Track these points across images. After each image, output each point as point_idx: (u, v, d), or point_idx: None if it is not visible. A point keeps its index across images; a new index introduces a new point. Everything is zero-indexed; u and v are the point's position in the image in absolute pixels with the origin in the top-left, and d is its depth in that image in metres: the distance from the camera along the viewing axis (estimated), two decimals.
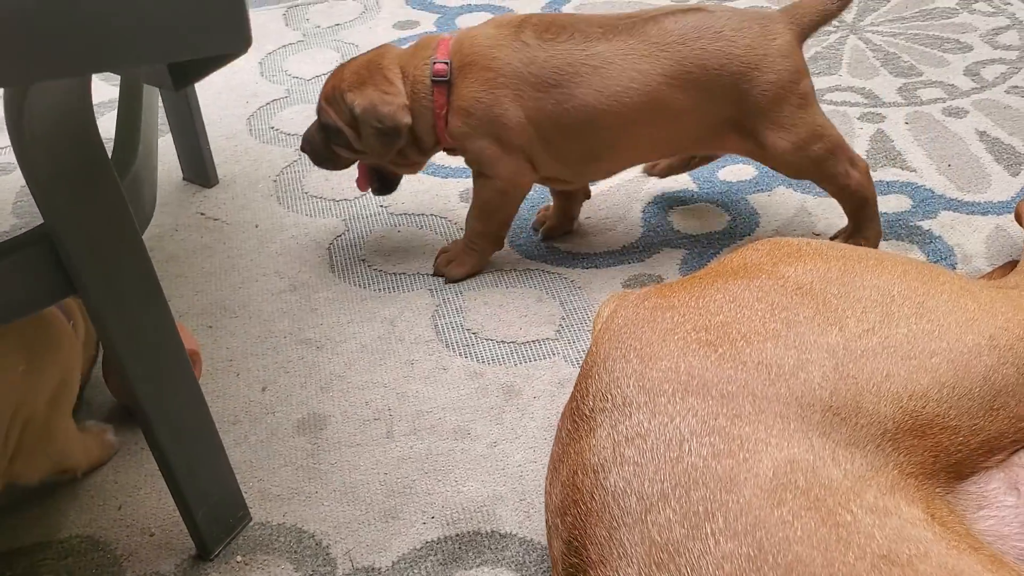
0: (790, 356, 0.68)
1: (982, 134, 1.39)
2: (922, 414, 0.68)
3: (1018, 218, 1.11)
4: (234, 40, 0.47)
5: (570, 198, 1.25)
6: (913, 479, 0.66)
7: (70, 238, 0.67)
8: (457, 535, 0.88)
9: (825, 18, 1.12)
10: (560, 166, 1.14)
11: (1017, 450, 0.71)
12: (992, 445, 0.70)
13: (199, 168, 1.38)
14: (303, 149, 1.20)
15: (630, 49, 1.08)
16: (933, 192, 1.28)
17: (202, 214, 1.34)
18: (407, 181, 1.36)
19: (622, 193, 1.33)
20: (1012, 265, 1.05)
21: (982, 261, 1.15)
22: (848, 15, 1.76)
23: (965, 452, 0.69)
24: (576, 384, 0.76)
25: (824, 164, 1.10)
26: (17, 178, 1.43)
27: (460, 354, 1.08)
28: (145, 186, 0.76)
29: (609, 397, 0.69)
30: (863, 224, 1.15)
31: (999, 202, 1.25)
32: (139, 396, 0.77)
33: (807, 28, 1.11)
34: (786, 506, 0.59)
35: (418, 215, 1.32)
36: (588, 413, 0.70)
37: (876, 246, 1.15)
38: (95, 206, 0.68)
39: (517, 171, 1.13)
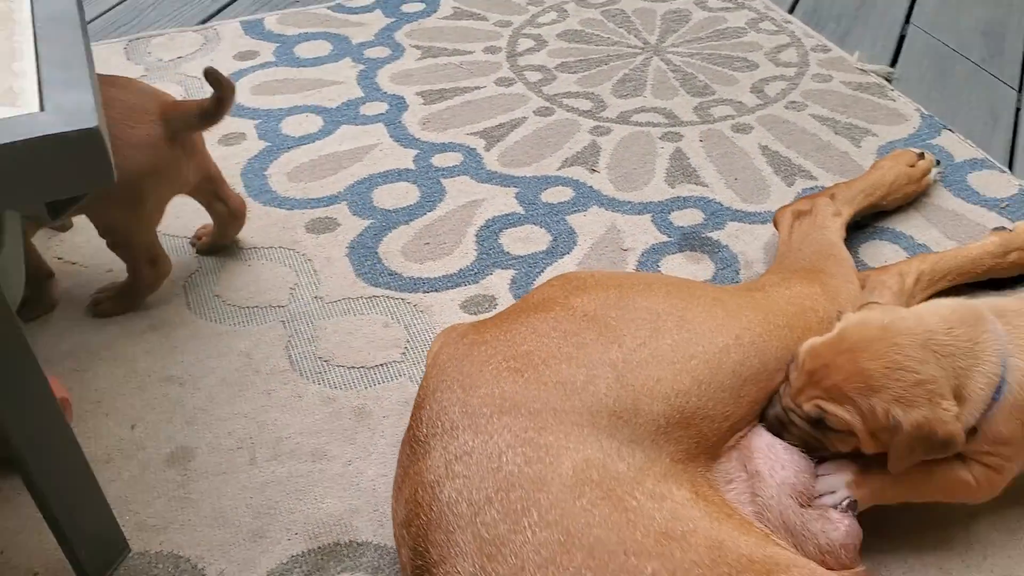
0: (581, 374, 0.83)
1: (764, 148, 1.60)
2: (686, 408, 0.85)
3: (776, 224, 1.30)
4: (100, 178, 0.57)
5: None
6: (681, 464, 0.83)
7: None
8: (319, 547, 1.00)
9: (189, 127, 1.21)
10: None
11: (746, 434, 0.90)
12: (736, 428, 0.89)
13: None
14: None
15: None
16: (722, 205, 1.47)
17: (59, 258, 1.40)
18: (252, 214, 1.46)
19: (456, 219, 1.46)
20: None
21: (761, 266, 1.35)
22: (652, 36, 1.95)
23: (719, 435, 0.87)
24: (412, 414, 0.90)
25: (119, 251, 1.27)
26: None
27: (314, 381, 1.19)
28: (13, 270, 0.84)
29: (439, 423, 0.82)
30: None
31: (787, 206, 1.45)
32: (17, 446, 0.85)
33: (177, 128, 1.19)
34: (585, 497, 0.75)
35: (267, 248, 1.41)
36: (423, 439, 0.83)
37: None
38: None
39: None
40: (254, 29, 2.02)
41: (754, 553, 0.72)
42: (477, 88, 1.80)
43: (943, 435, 0.86)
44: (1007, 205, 1.43)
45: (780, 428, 0.91)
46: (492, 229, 1.44)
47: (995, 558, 0.97)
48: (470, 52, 1.92)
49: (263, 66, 1.87)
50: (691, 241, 1.41)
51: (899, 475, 0.91)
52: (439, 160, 1.60)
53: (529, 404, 0.81)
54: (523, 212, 1.48)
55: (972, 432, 0.90)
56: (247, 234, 1.43)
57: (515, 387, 0.82)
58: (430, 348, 1.04)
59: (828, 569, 0.84)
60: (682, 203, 1.48)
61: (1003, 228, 1.30)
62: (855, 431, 0.88)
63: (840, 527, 0.84)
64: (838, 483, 0.91)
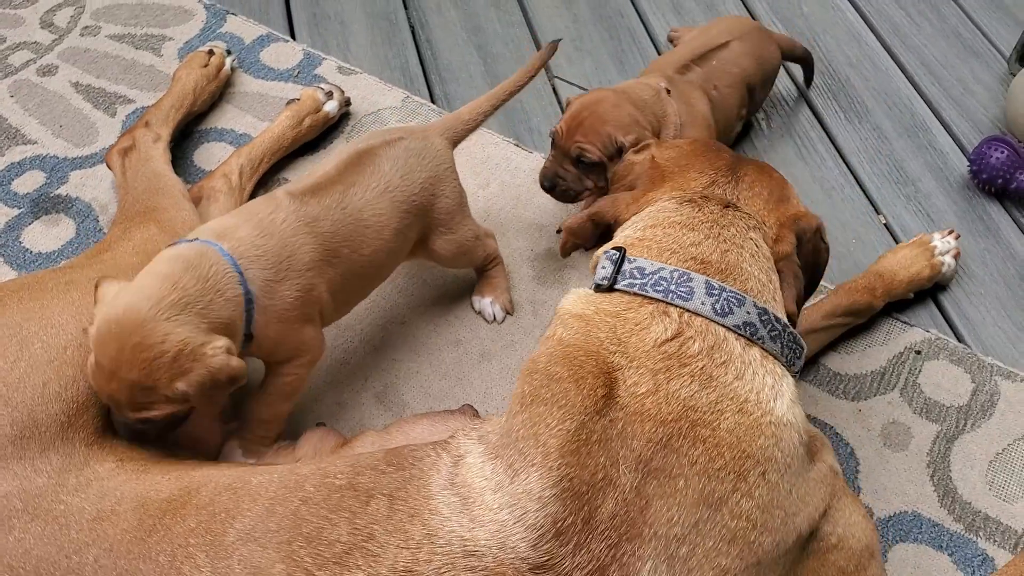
0: None
1: (76, 85, 1.62)
2: (76, 397, 0.95)
3: (110, 167, 1.38)
4: None
5: None
6: (96, 444, 0.95)
7: None
8: None
9: None
10: None
11: None
12: None
13: None
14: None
15: None
16: (58, 157, 1.50)
17: None
18: None
19: None
20: None
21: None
22: None
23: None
24: None
25: None
26: None
27: None
28: None
29: None
30: None
31: (112, 147, 1.51)
32: None
33: None
34: (16, 529, 0.84)
35: None
36: None
37: None
38: None
39: None
40: None
41: (173, 491, 0.88)
42: None
43: (226, 378, 0.93)
44: (298, 72, 1.66)
45: (136, 434, 0.97)
46: None
47: (373, 379, 1.27)
48: None
49: None
50: (43, 205, 1.44)
51: (261, 418, 1.06)
52: None
53: None
54: None
55: (250, 340, 0.99)
56: None
57: None
58: None
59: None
60: (18, 169, 1.48)
61: (294, 100, 1.52)
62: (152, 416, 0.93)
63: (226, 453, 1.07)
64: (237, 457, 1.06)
